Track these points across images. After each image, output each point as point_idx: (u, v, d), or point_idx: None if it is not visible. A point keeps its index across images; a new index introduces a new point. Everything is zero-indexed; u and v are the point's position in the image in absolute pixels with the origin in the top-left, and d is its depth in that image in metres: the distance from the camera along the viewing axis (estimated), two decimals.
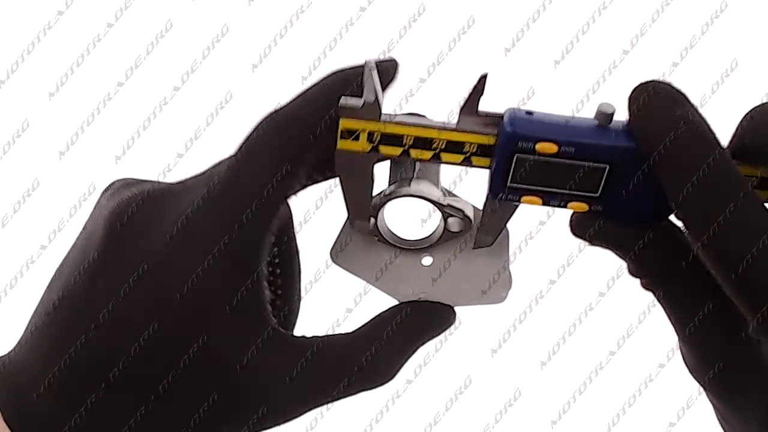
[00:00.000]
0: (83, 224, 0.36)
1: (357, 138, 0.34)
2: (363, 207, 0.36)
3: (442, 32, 0.63)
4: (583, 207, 0.34)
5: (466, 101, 0.34)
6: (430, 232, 0.39)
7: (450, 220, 0.38)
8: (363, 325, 0.37)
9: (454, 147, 0.34)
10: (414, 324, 0.38)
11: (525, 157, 0.33)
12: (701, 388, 0.35)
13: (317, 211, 0.42)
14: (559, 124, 0.33)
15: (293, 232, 0.40)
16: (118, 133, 0.65)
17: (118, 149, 0.61)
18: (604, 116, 0.33)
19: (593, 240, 0.35)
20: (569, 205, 0.34)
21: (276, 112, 0.35)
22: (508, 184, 0.34)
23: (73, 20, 0.73)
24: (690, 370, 0.35)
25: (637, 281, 0.35)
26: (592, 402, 0.62)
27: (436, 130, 0.34)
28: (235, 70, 0.67)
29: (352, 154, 0.34)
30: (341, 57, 0.60)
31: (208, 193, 0.34)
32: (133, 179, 0.37)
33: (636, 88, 0.31)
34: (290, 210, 0.38)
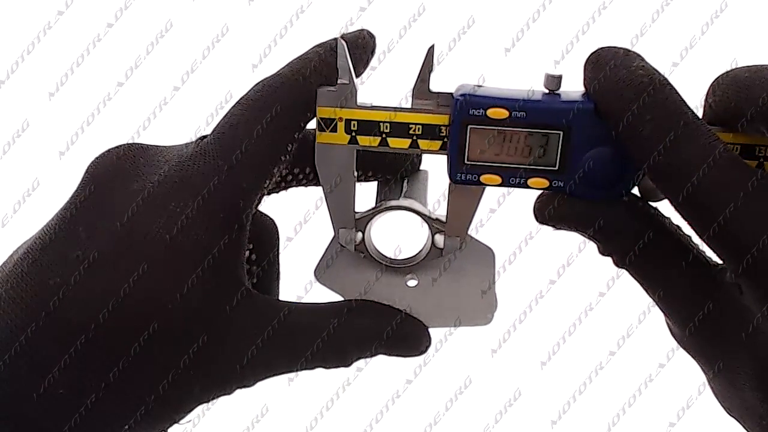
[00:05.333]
0: None
1: (335, 129, 0.34)
2: (346, 210, 0.36)
3: (442, 32, 0.63)
4: (543, 183, 0.34)
5: (418, 79, 0.34)
6: (417, 251, 0.38)
7: (437, 236, 0.37)
8: (338, 302, 0.37)
9: (429, 132, 0.34)
10: (377, 322, 0.37)
11: (478, 128, 0.33)
12: (691, 358, 0.35)
13: (301, 212, 0.42)
14: (509, 92, 0.33)
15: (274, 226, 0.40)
16: (118, 133, 0.65)
17: None
18: (552, 79, 0.33)
19: (556, 221, 0.34)
20: (529, 182, 0.34)
21: (258, 83, 0.35)
22: (465, 160, 0.34)
23: (73, 20, 0.73)
24: (675, 338, 0.35)
25: (617, 268, 0.35)
26: (592, 402, 0.62)
27: (411, 113, 0.34)
28: (235, 70, 0.67)
29: (332, 148, 0.35)
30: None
31: (195, 152, 0.34)
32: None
33: (592, 53, 0.32)
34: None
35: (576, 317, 0.63)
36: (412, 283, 0.38)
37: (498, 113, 0.33)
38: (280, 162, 0.34)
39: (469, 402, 0.66)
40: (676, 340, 0.35)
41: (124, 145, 0.35)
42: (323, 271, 0.38)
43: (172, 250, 0.32)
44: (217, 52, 0.64)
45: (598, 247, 0.35)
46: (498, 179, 0.34)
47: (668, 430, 0.66)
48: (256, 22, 0.72)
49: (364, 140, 0.35)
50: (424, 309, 0.38)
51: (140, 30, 0.71)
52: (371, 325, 0.37)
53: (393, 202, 0.37)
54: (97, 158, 0.35)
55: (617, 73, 0.31)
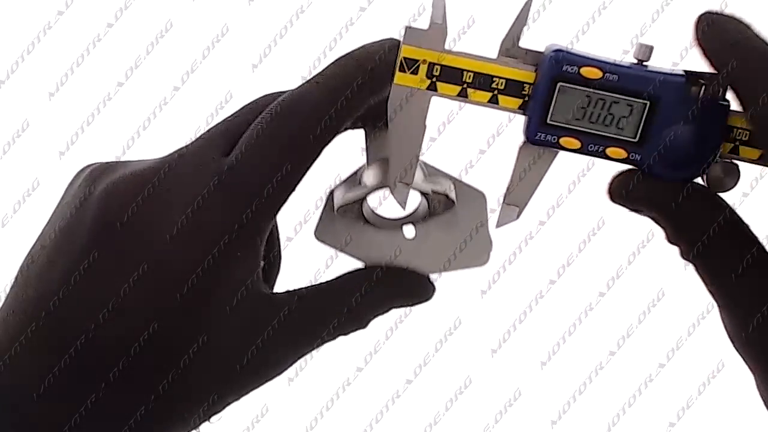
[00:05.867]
0: (54, 211, 0.35)
1: (416, 72, 0.33)
2: (408, 162, 0.35)
3: None
4: (621, 153, 0.34)
5: (509, 33, 0.33)
6: (413, 209, 0.39)
7: (434, 205, 0.38)
8: (341, 276, 0.37)
9: (513, 88, 0.34)
10: (392, 286, 0.38)
11: (568, 86, 0.33)
12: (741, 358, 0.34)
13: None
14: (601, 56, 0.33)
15: None
16: (118, 133, 0.65)
17: (118, 149, 0.61)
18: (645, 49, 0.33)
19: (631, 202, 0.34)
20: (608, 150, 0.34)
21: (287, 100, 0.33)
22: (549, 119, 0.33)
23: (73, 20, 0.73)
24: (730, 338, 0.35)
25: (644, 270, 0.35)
26: (592, 402, 0.63)
27: (498, 65, 0.33)
28: (235, 70, 0.67)
29: (408, 91, 0.33)
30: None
31: (216, 181, 0.33)
32: (111, 162, 0.36)
33: (703, 13, 0.32)
34: None
35: (576, 317, 0.63)
36: (409, 233, 0.39)
37: (592, 72, 0.33)
38: (299, 179, 0.33)
39: (469, 402, 0.66)
40: (730, 338, 0.35)
41: (125, 180, 0.34)
42: (322, 229, 0.39)
43: (172, 251, 0.32)
44: (217, 52, 0.64)
45: (667, 235, 0.34)
46: (577, 143, 0.34)
47: (668, 430, 0.66)
48: (256, 22, 0.72)
49: (444, 88, 0.33)
50: (423, 257, 0.38)
51: (140, 30, 0.71)
52: (384, 290, 0.37)
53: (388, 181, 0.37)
54: (108, 198, 0.33)
55: (754, 51, 0.31)
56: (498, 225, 0.36)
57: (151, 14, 0.73)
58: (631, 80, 0.33)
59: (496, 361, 0.64)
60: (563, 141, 0.34)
